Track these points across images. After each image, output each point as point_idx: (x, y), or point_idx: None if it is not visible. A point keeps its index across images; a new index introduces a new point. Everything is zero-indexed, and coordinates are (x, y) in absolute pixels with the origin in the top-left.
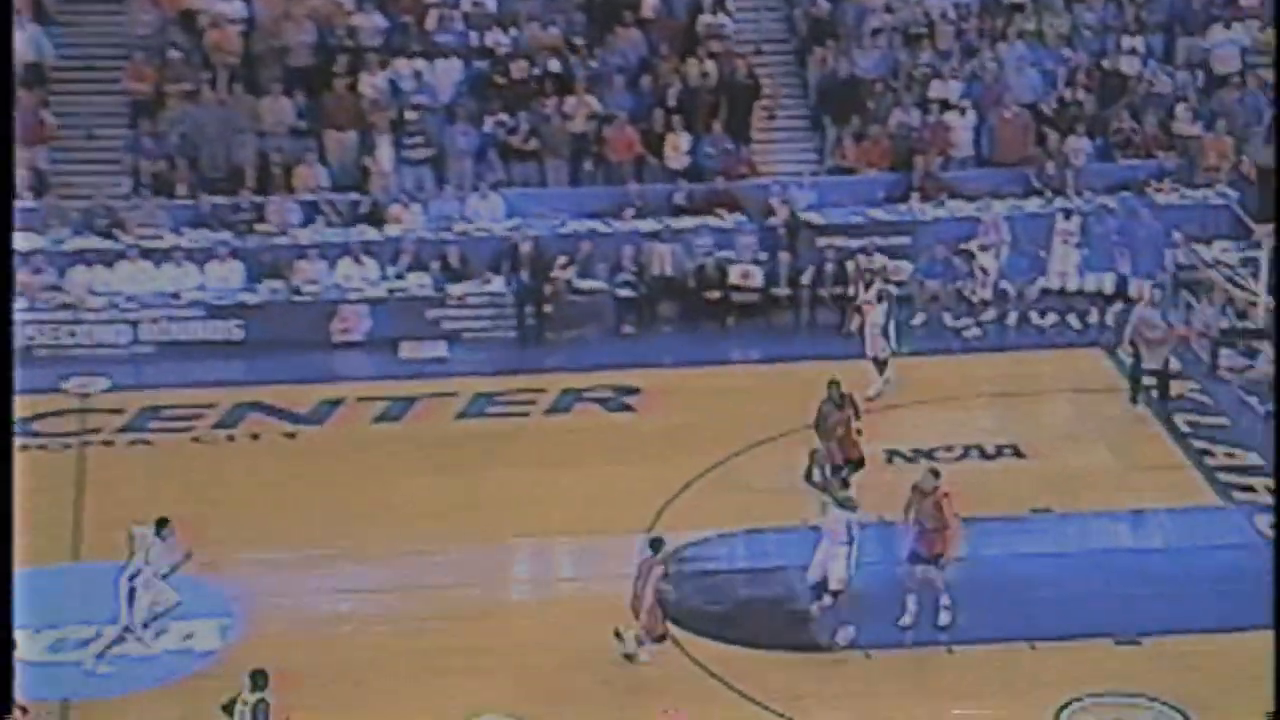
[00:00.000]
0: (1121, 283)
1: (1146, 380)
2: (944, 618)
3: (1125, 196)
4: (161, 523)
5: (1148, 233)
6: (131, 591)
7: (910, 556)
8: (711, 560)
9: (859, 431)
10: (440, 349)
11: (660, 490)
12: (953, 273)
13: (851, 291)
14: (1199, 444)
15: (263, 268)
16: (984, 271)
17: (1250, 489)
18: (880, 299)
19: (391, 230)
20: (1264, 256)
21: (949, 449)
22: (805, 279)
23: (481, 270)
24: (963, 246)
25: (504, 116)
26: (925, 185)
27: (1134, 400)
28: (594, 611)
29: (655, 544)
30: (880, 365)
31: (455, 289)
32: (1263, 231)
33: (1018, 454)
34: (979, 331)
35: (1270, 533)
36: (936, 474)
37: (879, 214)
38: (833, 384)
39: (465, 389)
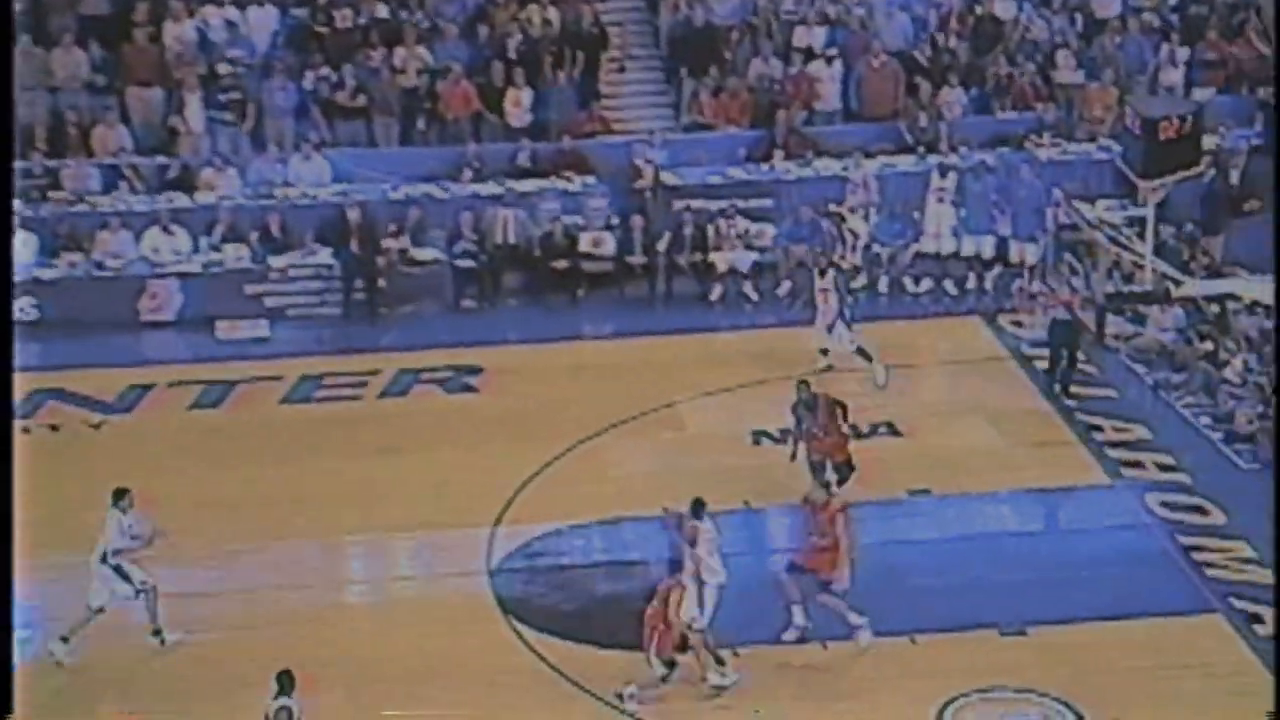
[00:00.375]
0: (1001, 245)
1: (1029, 351)
2: (863, 638)
3: (1004, 152)
4: (119, 494)
5: (1028, 191)
6: (118, 568)
7: (789, 566)
8: (565, 554)
9: (846, 433)
10: (261, 328)
11: (507, 479)
12: (820, 237)
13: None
14: (1085, 418)
15: (59, 240)
16: (853, 235)
17: (1139, 465)
18: (835, 286)
19: (204, 197)
20: (1150, 214)
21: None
22: (661, 245)
23: (305, 240)
24: (831, 208)
25: (327, 70)
26: (789, 142)
27: (1053, 387)
28: (437, 614)
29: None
30: (864, 354)
31: (277, 261)
32: (1148, 187)
33: (893, 431)
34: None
35: (1162, 512)
36: (828, 487)
37: (739, 173)
38: (802, 384)
39: (290, 371)
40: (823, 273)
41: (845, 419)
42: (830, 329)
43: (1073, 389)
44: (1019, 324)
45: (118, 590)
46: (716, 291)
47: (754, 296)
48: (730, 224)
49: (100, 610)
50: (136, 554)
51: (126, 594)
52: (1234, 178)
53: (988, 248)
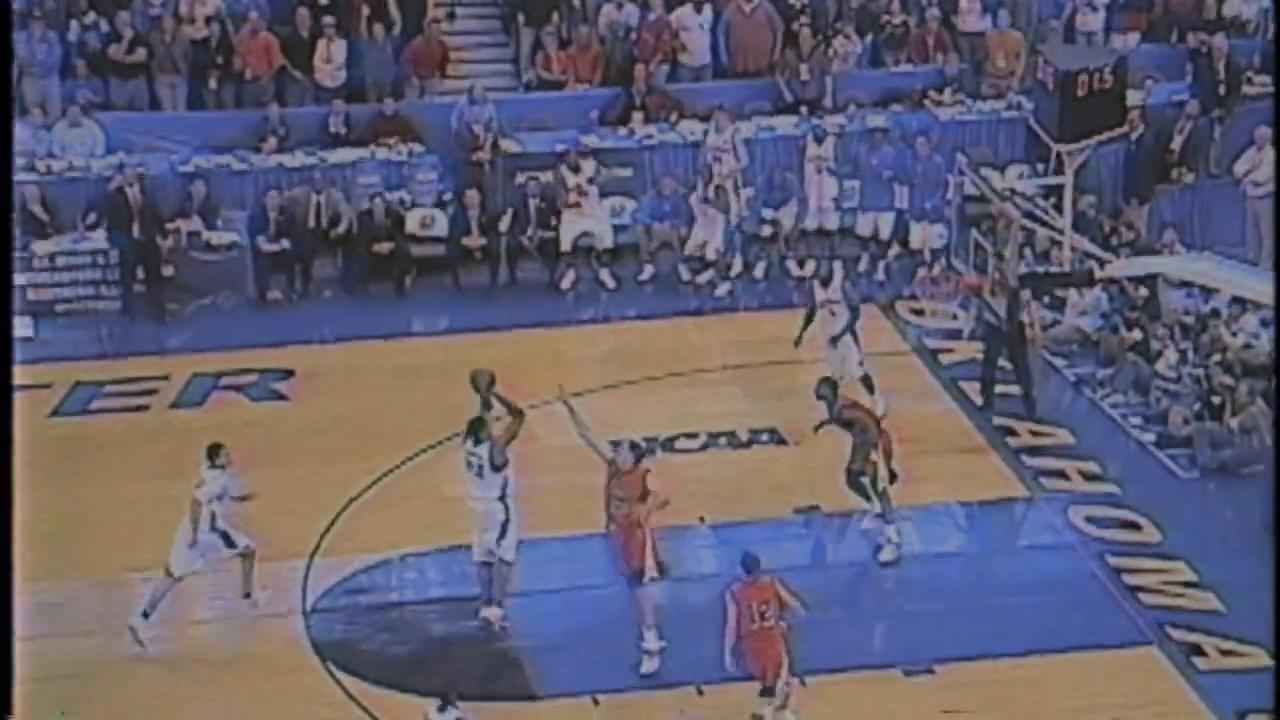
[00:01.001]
0: (898, 222)
1: (933, 344)
2: (646, 665)
3: (899, 112)
4: (214, 451)
5: (927, 158)
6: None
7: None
8: (394, 589)
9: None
10: (24, 326)
11: (325, 500)
12: (687, 214)
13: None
14: (999, 420)
15: None
16: (726, 211)
17: (1061, 475)
18: (845, 296)
19: None
20: (1068, 183)
21: (690, 437)
22: (503, 225)
23: (75, 222)
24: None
25: (95, 18)
26: (649, 102)
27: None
28: (244, 664)
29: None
30: (868, 385)
31: (41, 247)
32: (1065, 151)
33: (776, 439)
34: (727, 286)
35: (1089, 529)
36: (637, 448)
37: (592, 140)
38: (824, 382)
39: (61, 378)
40: (826, 281)
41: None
42: (835, 341)
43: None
44: (920, 313)
45: (218, 553)
46: (568, 278)
47: (610, 284)
48: (582, 198)
49: (180, 579)
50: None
51: (225, 554)
52: (1175, 143)
53: (885, 226)
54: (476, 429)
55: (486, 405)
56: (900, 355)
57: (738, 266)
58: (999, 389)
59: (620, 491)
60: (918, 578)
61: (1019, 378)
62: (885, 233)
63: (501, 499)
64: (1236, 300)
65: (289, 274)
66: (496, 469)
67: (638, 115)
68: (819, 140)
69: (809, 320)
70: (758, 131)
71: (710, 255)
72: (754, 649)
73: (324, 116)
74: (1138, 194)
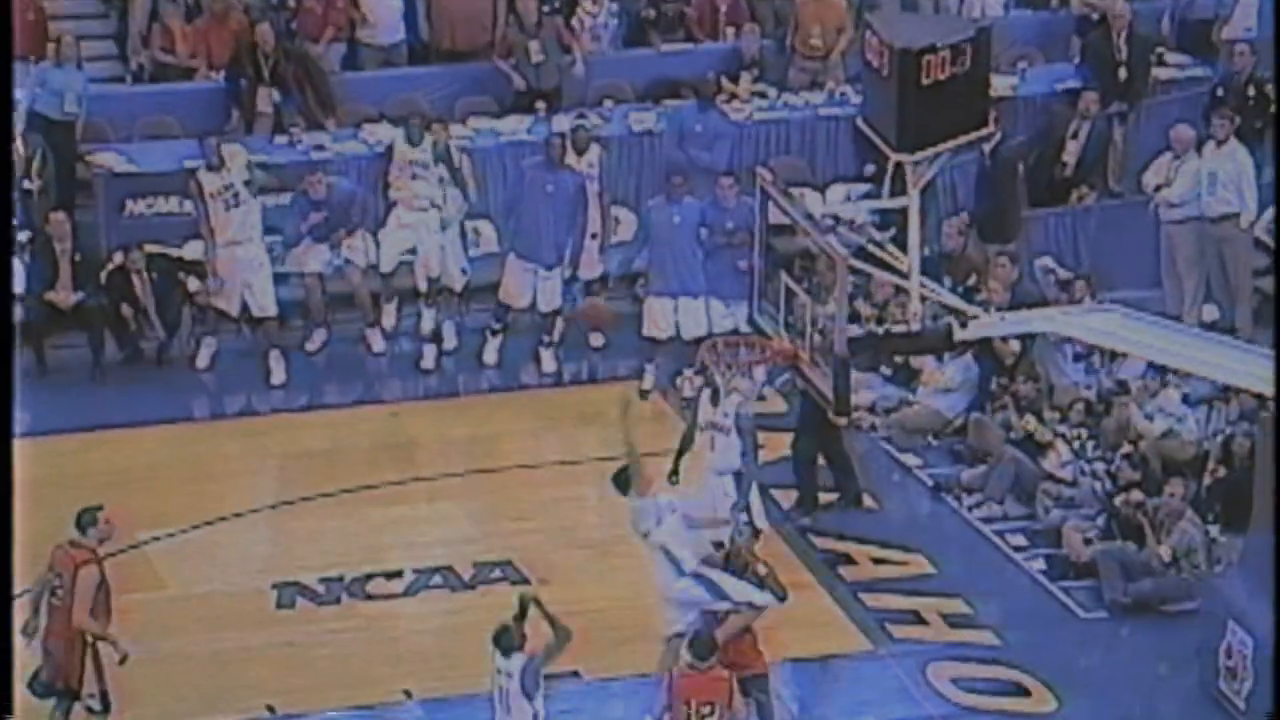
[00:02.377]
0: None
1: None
2: None
3: (675, 109)
4: None
5: (709, 171)
6: None
7: None
8: None
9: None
10: None
11: None
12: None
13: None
14: (825, 543)
15: None
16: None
17: (917, 619)
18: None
19: None
20: (913, 206)
21: (392, 576)
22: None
23: None
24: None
25: None
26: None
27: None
28: None
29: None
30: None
31: None
32: (908, 162)
33: (515, 577)
34: (434, 358)
35: (957, 695)
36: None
37: (235, 150)
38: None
39: None
40: (716, 398)
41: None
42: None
43: (787, 496)
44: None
45: None
46: (205, 354)
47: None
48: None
49: None
50: None
51: None
52: (1069, 150)
53: (690, 318)
54: (504, 641)
55: (521, 615)
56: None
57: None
58: (823, 497)
59: None
60: None
61: (836, 476)
62: (691, 327)
63: None
64: (1153, 368)
65: None
66: (528, 696)
67: (298, 119)
68: (579, 149)
69: (685, 446)
70: (477, 138)
71: (433, 272)
72: None
73: None
74: (1003, 227)
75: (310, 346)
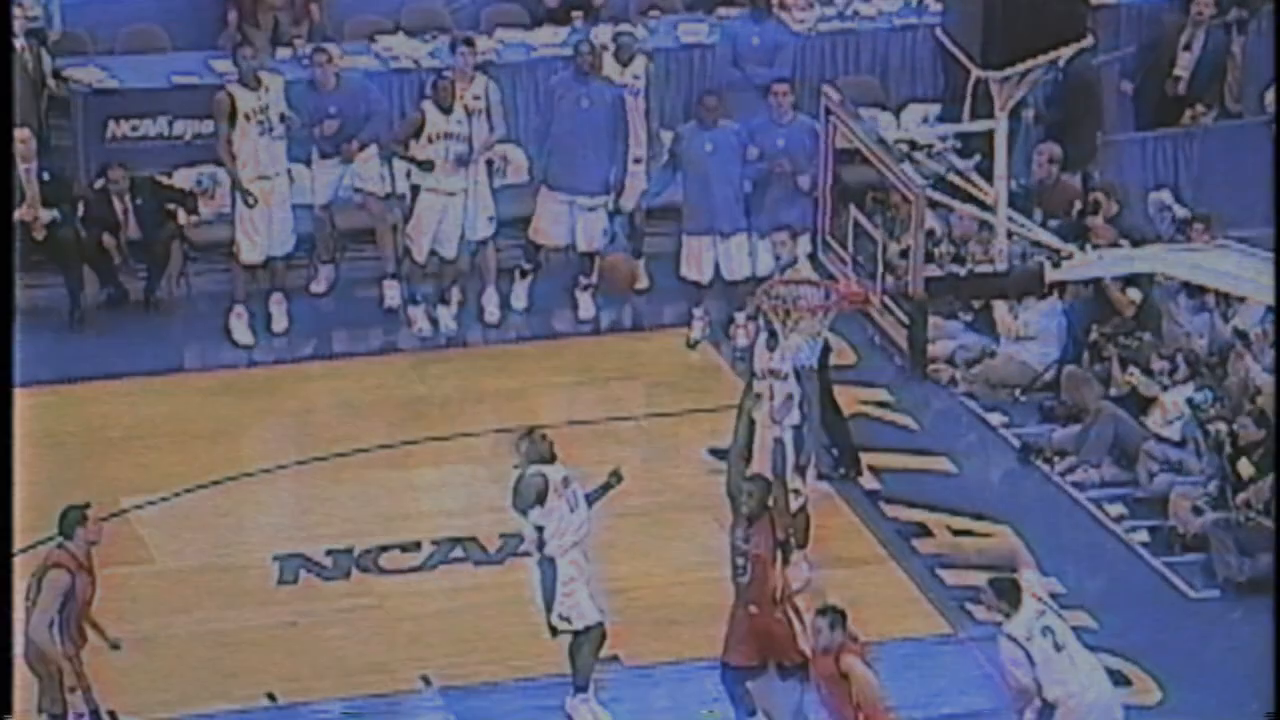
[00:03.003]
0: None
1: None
2: None
3: (729, 19)
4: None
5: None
6: None
7: None
8: None
9: None
10: None
11: None
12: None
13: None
14: (899, 512)
15: None
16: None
17: None
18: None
19: None
20: (1001, 131)
21: (409, 549)
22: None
23: None
24: None
25: None
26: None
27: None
28: None
29: None
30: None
31: None
32: (994, 80)
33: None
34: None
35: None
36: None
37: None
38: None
39: None
40: (774, 343)
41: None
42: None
43: (876, 458)
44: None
45: None
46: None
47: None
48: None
49: None
50: None
51: None
52: (1182, 63)
53: (735, 257)
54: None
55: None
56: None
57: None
58: (891, 460)
59: None
60: None
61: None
62: (734, 269)
63: None
64: (1273, 313)
65: None
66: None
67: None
68: (623, 59)
69: (744, 404)
70: (504, 51)
71: (448, 254)
72: None
73: None
74: (1077, 154)
75: (316, 288)
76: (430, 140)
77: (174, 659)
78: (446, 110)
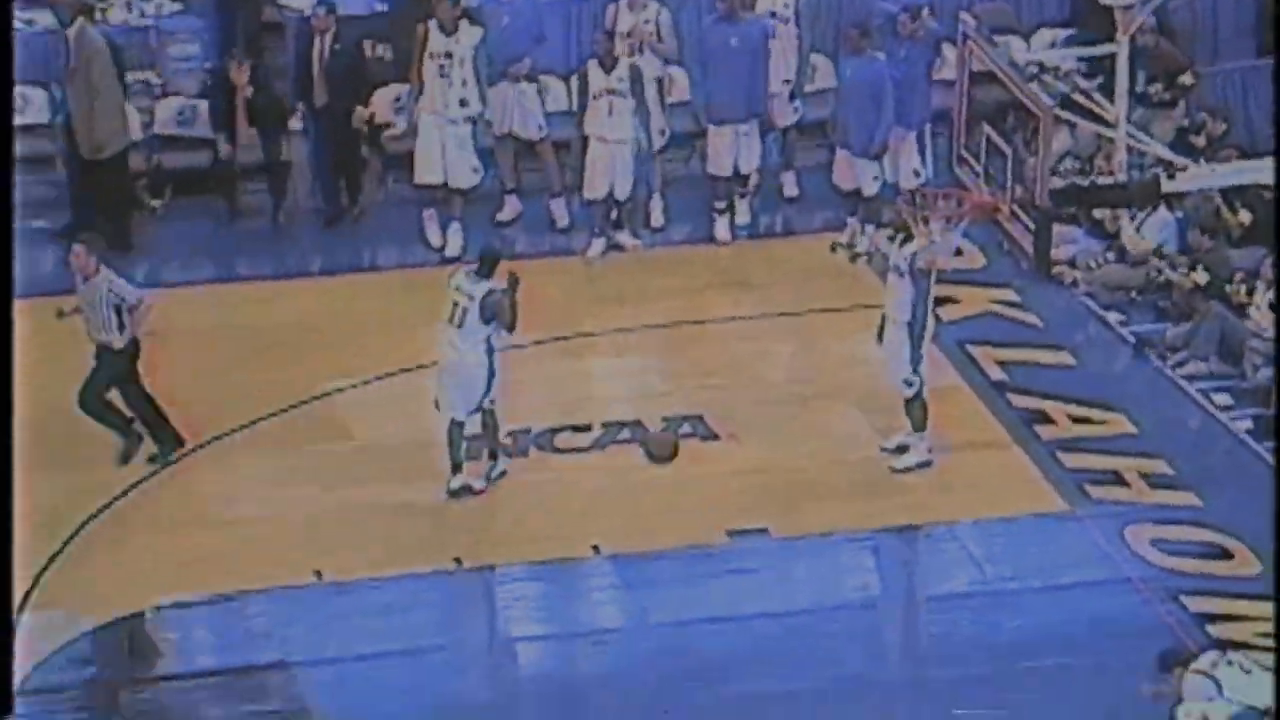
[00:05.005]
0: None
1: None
2: None
3: None
4: None
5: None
6: None
7: None
8: (147, 656)
9: None
10: None
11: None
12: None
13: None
14: (1023, 401)
15: None
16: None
17: (1117, 480)
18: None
19: None
20: (1123, 53)
21: (580, 430)
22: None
23: None
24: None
25: None
26: None
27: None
28: None
29: None
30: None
31: None
32: (1118, 5)
33: (705, 434)
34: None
35: (1158, 558)
36: None
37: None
38: None
39: None
40: (905, 236)
41: None
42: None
43: (1001, 353)
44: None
45: None
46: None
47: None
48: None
49: None
50: None
51: None
52: None
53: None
54: (489, 265)
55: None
56: (866, 308)
57: (659, 217)
58: (1018, 355)
59: None
60: (912, 630)
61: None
62: (868, 185)
63: (488, 354)
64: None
65: None
66: (485, 321)
67: None
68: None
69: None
70: None
71: (620, 194)
72: None
73: None
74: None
75: (502, 217)
76: (595, 97)
77: (372, 527)
78: (609, 70)
